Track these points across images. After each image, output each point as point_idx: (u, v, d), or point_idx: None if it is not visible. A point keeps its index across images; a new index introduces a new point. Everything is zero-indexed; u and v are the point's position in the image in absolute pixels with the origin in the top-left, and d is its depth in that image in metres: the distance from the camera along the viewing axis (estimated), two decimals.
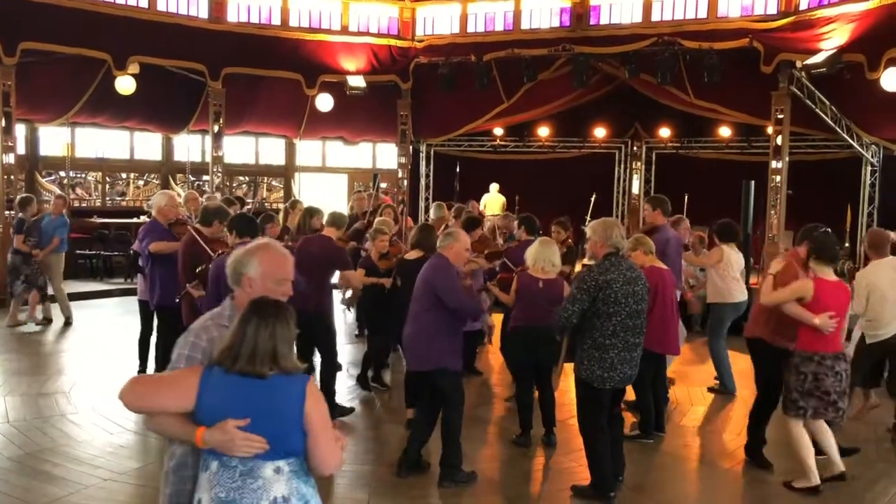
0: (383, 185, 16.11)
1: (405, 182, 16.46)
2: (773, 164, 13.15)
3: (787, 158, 13.19)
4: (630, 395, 6.31)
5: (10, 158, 12.23)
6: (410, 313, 5.46)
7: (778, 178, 13.14)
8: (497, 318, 8.72)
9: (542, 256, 6.21)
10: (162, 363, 7.35)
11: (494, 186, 15.72)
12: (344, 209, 11.32)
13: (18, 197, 10.64)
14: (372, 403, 7.50)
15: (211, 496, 2.59)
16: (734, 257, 8.00)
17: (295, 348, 2.70)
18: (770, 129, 13.40)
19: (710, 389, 8.24)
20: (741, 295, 8.14)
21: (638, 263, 5.96)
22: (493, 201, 16.08)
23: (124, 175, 17.65)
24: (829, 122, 12.92)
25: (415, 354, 5.45)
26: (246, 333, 2.57)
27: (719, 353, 8.13)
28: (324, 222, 7.37)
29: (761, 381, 6.02)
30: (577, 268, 8.74)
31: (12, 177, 12.46)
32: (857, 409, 7.01)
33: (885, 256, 6.54)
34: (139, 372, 7.73)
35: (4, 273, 11.39)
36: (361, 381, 7.78)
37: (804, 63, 12.12)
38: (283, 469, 2.60)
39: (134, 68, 13.30)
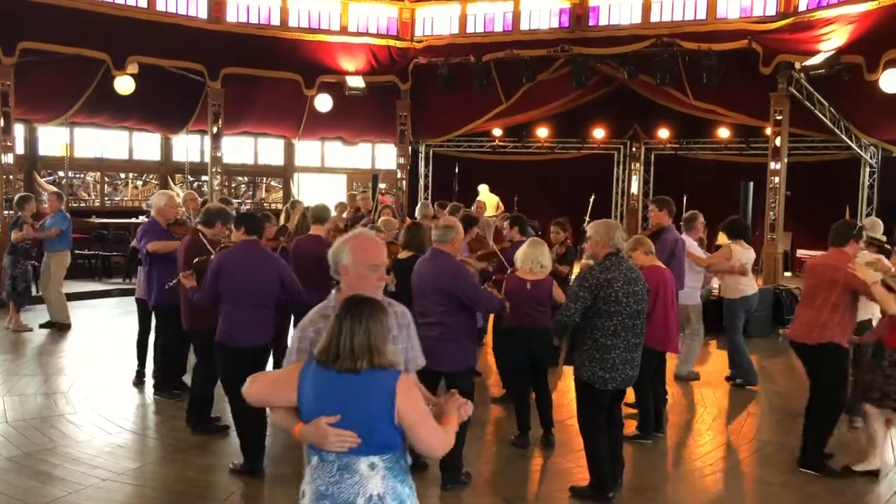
0: (382, 186, 16.11)
1: (404, 182, 16.47)
2: (772, 165, 13.17)
3: (785, 159, 13.21)
4: (629, 395, 6.30)
5: (8, 158, 12.23)
6: (430, 318, 5.30)
7: (777, 179, 13.16)
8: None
9: (531, 257, 6.19)
10: (160, 363, 7.36)
11: (484, 187, 15.65)
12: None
13: (17, 196, 10.54)
14: None
15: (312, 489, 2.67)
16: (742, 254, 8.10)
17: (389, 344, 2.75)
18: (769, 131, 13.43)
19: (734, 384, 8.30)
20: (749, 289, 8.24)
21: (638, 264, 5.97)
22: (486, 202, 15.98)
23: (123, 175, 17.65)
24: (828, 123, 12.94)
25: (445, 358, 5.20)
26: (341, 328, 2.63)
27: (739, 346, 8.21)
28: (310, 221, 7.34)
29: (828, 384, 5.89)
30: (576, 268, 8.73)
31: (11, 177, 12.46)
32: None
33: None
34: (137, 372, 7.73)
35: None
36: None
37: (803, 64, 12.14)
38: (378, 465, 2.63)
39: (133, 68, 13.31)
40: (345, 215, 10.91)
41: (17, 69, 12.10)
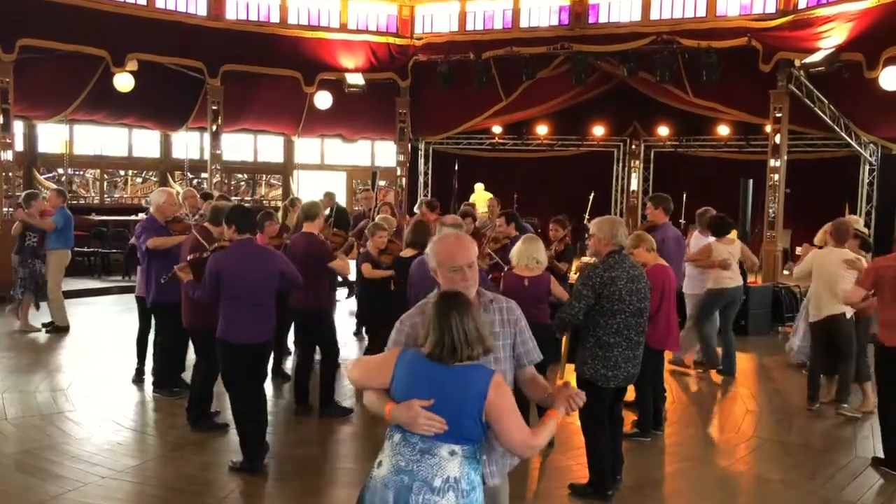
0: (381, 183, 16.10)
1: (404, 180, 16.47)
2: (772, 162, 13.17)
3: (785, 157, 13.21)
4: (629, 393, 6.30)
5: (8, 155, 12.22)
6: None
7: (776, 176, 13.16)
8: None
9: (526, 254, 6.18)
10: (159, 360, 7.36)
11: (479, 186, 15.61)
12: (344, 206, 11.34)
13: (24, 193, 10.45)
14: None
15: (392, 462, 2.80)
16: (723, 250, 8.36)
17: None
18: (768, 128, 13.42)
19: (697, 364, 8.74)
20: (730, 282, 8.44)
21: (640, 261, 5.97)
22: (479, 199, 15.87)
23: (122, 172, 17.64)
24: (828, 120, 12.93)
25: None
26: (438, 322, 2.76)
27: (706, 332, 8.51)
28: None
29: None
30: (574, 266, 8.74)
31: (10, 174, 12.44)
32: (825, 394, 7.43)
33: (843, 247, 7.06)
34: (137, 369, 7.73)
35: (7, 270, 11.39)
36: None
37: (803, 62, 12.14)
38: (458, 452, 2.75)
39: (132, 65, 13.30)
40: (327, 212, 10.92)
41: (16, 66, 12.09)
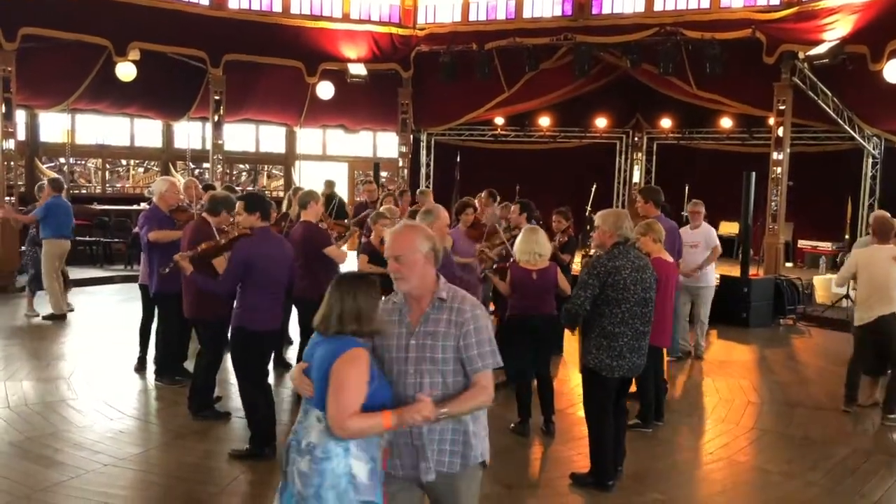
0: (384, 175, 16.10)
1: (405, 171, 16.44)
2: (775, 155, 13.15)
3: (788, 150, 13.18)
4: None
5: (10, 144, 12.20)
6: None
7: (779, 169, 13.14)
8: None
9: (528, 250, 6.14)
10: (161, 349, 7.37)
11: None
12: (345, 197, 11.34)
13: (38, 184, 10.42)
14: None
15: (296, 421, 3.02)
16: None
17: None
18: (772, 121, 13.39)
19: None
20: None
21: (646, 250, 5.97)
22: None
23: (124, 162, 17.63)
24: (831, 113, 12.90)
25: None
26: (327, 298, 2.96)
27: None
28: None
29: None
30: (577, 258, 8.74)
31: (12, 163, 12.44)
32: (867, 397, 7.20)
33: (887, 243, 6.76)
34: (139, 358, 7.74)
35: (11, 259, 11.46)
36: None
37: (807, 54, 12.09)
38: (322, 420, 2.87)
39: (134, 55, 13.27)
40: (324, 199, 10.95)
41: (18, 55, 12.05)
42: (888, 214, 7.09)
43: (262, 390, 5.67)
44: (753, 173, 12.09)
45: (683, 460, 6.06)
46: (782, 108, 12.91)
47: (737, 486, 5.57)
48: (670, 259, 6.49)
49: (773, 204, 13.29)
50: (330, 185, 11.58)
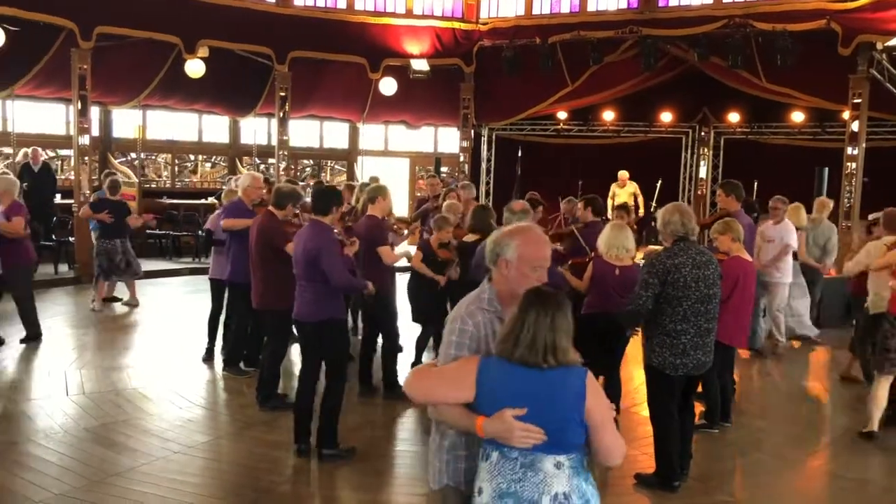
0: (444, 170, 16.09)
1: (466, 166, 16.43)
2: (849, 150, 12.69)
3: (863, 145, 12.72)
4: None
5: (85, 140, 12.61)
6: None
7: (853, 164, 12.68)
8: None
9: (616, 243, 6.04)
10: (231, 340, 7.53)
11: (623, 174, 15.15)
12: (406, 192, 11.38)
13: (109, 179, 10.74)
14: None
15: (493, 486, 2.55)
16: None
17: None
18: (846, 115, 12.93)
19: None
20: None
21: (723, 248, 5.85)
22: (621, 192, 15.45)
23: (192, 157, 18.06)
24: None
25: None
26: (525, 322, 2.54)
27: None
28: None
29: None
30: (639, 254, 8.59)
31: (87, 158, 12.85)
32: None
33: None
34: (207, 349, 7.92)
35: (85, 252, 11.83)
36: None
37: (885, 45, 11.64)
38: (564, 464, 2.53)
39: (203, 52, 13.58)
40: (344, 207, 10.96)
41: (93, 53, 12.45)
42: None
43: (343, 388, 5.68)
44: (826, 169, 11.72)
45: (751, 462, 5.91)
46: (858, 101, 12.45)
47: (808, 491, 5.41)
48: (749, 258, 6.28)
49: (846, 201, 12.84)
50: (375, 181, 11.65)
